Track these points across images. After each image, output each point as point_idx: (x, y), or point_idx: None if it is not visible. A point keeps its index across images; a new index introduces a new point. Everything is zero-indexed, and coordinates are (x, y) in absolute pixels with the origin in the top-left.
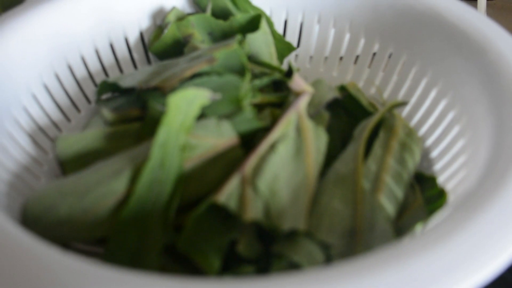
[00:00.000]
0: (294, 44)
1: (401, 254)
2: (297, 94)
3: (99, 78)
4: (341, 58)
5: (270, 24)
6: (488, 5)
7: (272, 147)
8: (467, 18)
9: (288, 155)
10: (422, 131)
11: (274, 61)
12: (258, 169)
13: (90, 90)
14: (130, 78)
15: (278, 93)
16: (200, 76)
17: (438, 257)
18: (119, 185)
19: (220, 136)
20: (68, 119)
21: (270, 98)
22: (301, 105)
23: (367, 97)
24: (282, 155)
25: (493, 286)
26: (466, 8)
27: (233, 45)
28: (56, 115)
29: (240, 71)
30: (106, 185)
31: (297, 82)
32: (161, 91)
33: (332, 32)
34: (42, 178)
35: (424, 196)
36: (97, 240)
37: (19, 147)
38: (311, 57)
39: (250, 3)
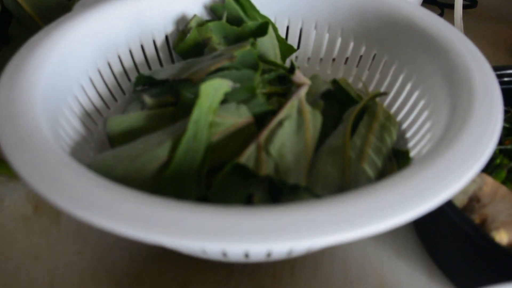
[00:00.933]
0: (295, 46)
1: (373, 189)
2: (298, 86)
3: (132, 73)
4: (333, 60)
5: (275, 29)
6: (467, 13)
7: (280, 123)
8: (436, 25)
9: (292, 130)
10: (400, 116)
11: (278, 60)
12: (269, 139)
13: (125, 83)
14: (163, 73)
15: (282, 85)
16: (222, 70)
17: (399, 192)
18: (162, 152)
19: (239, 116)
20: (108, 106)
21: (276, 88)
22: (302, 93)
23: (355, 90)
24: (287, 129)
25: None
26: (436, 18)
27: (247, 46)
28: (98, 103)
29: (254, 67)
30: (152, 152)
31: (298, 76)
32: (191, 82)
33: (326, 36)
34: (91, 153)
35: (399, 166)
36: None
37: (72, 128)
38: (308, 58)
39: (258, 12)
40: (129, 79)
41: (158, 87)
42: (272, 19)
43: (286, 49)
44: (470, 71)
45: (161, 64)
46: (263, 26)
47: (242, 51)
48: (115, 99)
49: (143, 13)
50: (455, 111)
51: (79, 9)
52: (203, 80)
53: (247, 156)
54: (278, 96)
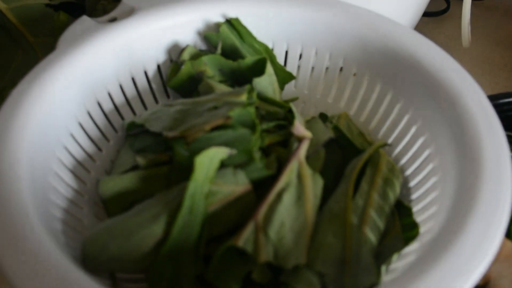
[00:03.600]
0: (294, 72)
1: None
2: (298, 138)
3: (124, 109)
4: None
5: (272, 57)
6: (475, 5)
7: (279, 195)
8: (442, 67)
9: (291, 202)
10: (403, 161)
11: (277, 94)
12: (268, 218)
13: (117, 121)
14: (155, 123)
15: (281, 130)
16: (217, 128)
17: None
18: (158, 229)
19: (236, 184)
20: (99, 149)
21: (275, 137)
22: (301, 152)
23: (357, 127)
24: (286, 203)
25: None
26: (443, 57)
27: (243, 95)
28: (90, 147)
29: (251, 126)
30: (147, 229)
31: (298, 129)
32: (185, 139)
33: (327, 64)
34: (84, 207)
35: (401, 222)
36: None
37: (64, 183)
38: (308, 85)
39: (255, 39)
40: (121, 116)
41: (151, 136)
42: (270, 44)
43: (285, 76)
44: (479, 136)
45: (154, 97)
46: (260, 64)
47: (239, 111)
48: (107, 140)
49: (133, 43)
50: (462, 185)
51: (63, 46)
52: (197, 141)
53: (245, 239)
54: (277, 145)
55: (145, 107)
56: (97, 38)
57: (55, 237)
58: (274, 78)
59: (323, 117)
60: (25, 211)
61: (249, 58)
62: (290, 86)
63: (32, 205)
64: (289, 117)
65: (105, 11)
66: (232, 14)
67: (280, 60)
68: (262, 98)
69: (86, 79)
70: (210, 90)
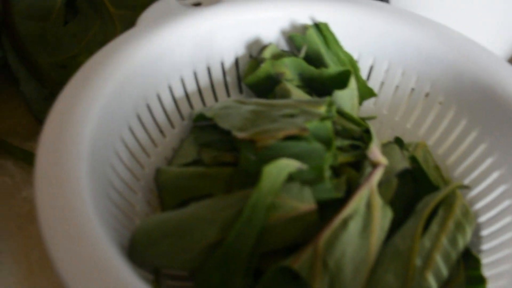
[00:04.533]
0: (375, 90)
1: None
2: (372, 163)
3: (194, 97)
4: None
5: (356, 69)
6: None
7: (344, 222)
8: None
9: (356, 232)
10: (478, 206)
11: (355, 110)
12: (329, 244)
13: (185, 109)
14: (226, 119)
15: (355, 150)
16: (290, 138)
17: None
18: (212, 232)
19: (301, 201)
20: (163, 135)
21: (347, 157)
22: (374, 180)
23: (434, 160)
24: (351, 232)
25: None
26: None
27: (323, 106)
28: (154, 132)
29: (326, 142)
30: (201, 231)
31: (374, 153)
32: (254, 143)
33: (412, 87)
34: (139, 193)
35: (466, 273)
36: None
37: (123, 165)
38: (389, 106)
39: (341, 47)
40: (190, 105)
41: (218, 132)
42: (355, 56)
43: (365, 91)
44: None
45: (227, 90)
46: (344, 76)
47: (317, 124)
48: (173, 126)
49: (215, 32)
50: None
51: (143, 25)
52: (267, 147)
53: (302, 262)
54: (349, 166)
55: (216, 99)
56: (180, 21)
57: (106, 222)
58: (355, 93)
59: (399, 142)
60: (81, 191)
61: (333, 68)
62: (368, 103)
63: (89, 183)
64: (365, 137)
65: None
66: (321, 17)
67: (363, 74)
68: (341, 112)
69: (161, 61)
70: (287, 94)
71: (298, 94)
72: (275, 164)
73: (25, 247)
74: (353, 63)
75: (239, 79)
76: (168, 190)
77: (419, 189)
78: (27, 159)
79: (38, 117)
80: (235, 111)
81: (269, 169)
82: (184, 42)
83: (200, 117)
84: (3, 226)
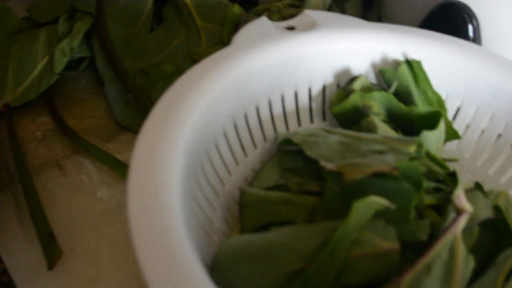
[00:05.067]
0: (460, 132)
1: None
2: (457, 209)
3: (279, 120)
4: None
5: (443, 110)
6: None
7: (428, 267)
8: None
9: (438, 278)
10: None
11: (439, 152)
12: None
13: (268, 130)
14: (313, 148)
15: (438, 193)
16: (378, 175)
17: None
18: (294, 261)
19: (385, 239)
20: (245, 154)
21: (431, 200)
22: (459, 227)
23: None
24: (434, 277)
25: None
26: None
27: (412, 146)
28: (237, 150)
29: (415, 183)
30: (283, 258)
31: (460, 199)
32: (341, 176)
33: (499, 134)
34: (218, 210)
35: None
36: None
37: (206, 181)
38: (472, 150)
39: (430, 86)
40: (274, 126)
41: (303, 159)
42: (444, 96)
43: (450, 133)
44: None
45: (311, 115)
46: (434, 117)
47: (407, 164)
48: (255, 146)
49: (306, 58)
50: None
51: (238, 44)
52: (355, 181)
53: None
54: (432, 209)
55: (299, 123)
56: (274, 44)
57: (192, 238)
58: (443, 135)
59: (479, 188)
60: (172, 205)
61: (423, 108)
62: (451, 145)
63: (180, 198)
64: (448, 180)
65: (280, 14)
66: (413, 53)
67: (449, 115)
68: (427, 153)
69: (252, 81)
70: (373, 128)
71: (385, 130)
72: (364, 200)
73: (97, 247)
74: (441, 103)
75: (324, 106)
76: (250, 212)
77: (500, 240)
78: (105, 159)
79: (118, 119)
80: (323, 140)
81: (358, 205)
82: (275, 64)
83: (286, 141)
84: (77, 224)
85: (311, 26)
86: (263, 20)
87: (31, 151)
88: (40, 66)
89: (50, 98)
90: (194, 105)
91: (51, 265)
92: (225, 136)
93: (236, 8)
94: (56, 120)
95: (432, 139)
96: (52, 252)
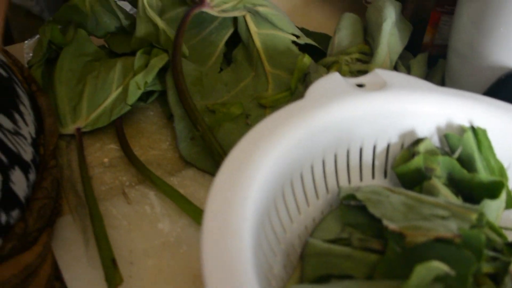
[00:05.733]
0: None
1: None
2: None
3: (342, 174)
4: None
5: (505, 179)
6: None
7: None
8: None
9: None
10: None
11: (497, 221)
12: None
13: (332, 183)
14: (377, 206)
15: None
16: (439, 240)
17: None
18: None
19: None
20: (308, 204)
21: (488, 268)
22: None
23: None
24: None
25: None
26: None
27: (474, 214)
28: (301, 200)
29: (476, 251)
30: None
31: None
32: (403, 237)
33: None
34: (278, 255)
35: None
36: None
37: (270, 227)
38: None
39: (494, 154)
40: (337, 179)
41: (366, 216)
42: (506, 164)
43: (509, 202)
44: None
45: (373, 171)
46: (496, 186)
47: (470, 232)
48: (317, 197)
49: (376, 116)
50: None
51: (311, 98)
52: (417, 244)
53: None
54: (488, 277)
55: (361, 178)
56: (346, 101)
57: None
58: (503, 205)
59: None
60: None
61: (486, 177)
62: (509, 213)
63: (250, 245)
64: (505, 249)
65: (349, 69)
66: (479, 121)
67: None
68: (487, 222)
69: (323, 135)
70: (435, 191)
71: (446, 194)
72: (426, 265)
73: (155, 277)
74: (502, 172)
75: (387, 164)
76: (312, 263)
77: None
78: (169, 193)
79: (182, 154)
80: (386, 199)
81: (420, 269)
82: (345, 120)
83: (350, 197)
84: (137, 253)
85: (381, 86)
86: (336, 76)
87: (98, 176)
88: (113, 95)
89: (120, 127)
90: (266, 156)
91: None
92: (291, 185)
93: (306, 59)
94: (123, 148)
95: (492, 208)
96: (113, 278)
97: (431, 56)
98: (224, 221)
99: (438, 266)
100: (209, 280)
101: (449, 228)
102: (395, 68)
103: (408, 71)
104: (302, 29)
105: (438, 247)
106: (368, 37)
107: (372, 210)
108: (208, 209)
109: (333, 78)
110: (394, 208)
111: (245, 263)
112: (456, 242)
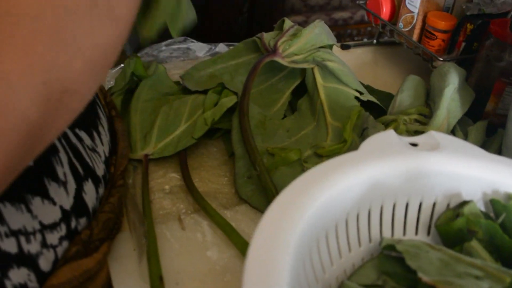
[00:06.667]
0: None
1: None
2: None
3: (387, 226)
4: None
5: None
6: None
7: None
8: None
9: None
10: None
11: None
12: None
13: (375, 233)
14: (415, 259)
15: None
16: None
17: None
18: None
19: None
20: (349, 249)
21: None
22: None
23: None
24: None
25: None
26: None
27: (508, 279)
28: (344, 245)
29: None
30: None
31: None
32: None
33: None
34: None
35: None
36: None
37: (311, 266)
38: None
39: None
40: (380, 230)
41: (401, 265)
42: None
43: None
44: None
45: (417, 227)
46: None
47: None
48: (359, 244)
49: (423, 173)
50: None
51: (365, 150)
52: None
53: None
54: None
55: (404, 232)
56: (398, 157)
57: None
58: None
59: None
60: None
61: None
62: None
63: (288, 279)
64: None
65: (407, 129)
66: None
67: None
68: None
69: (373, 186)
70: (474, 252)
71: (485, 257)
72: None
73: None
74: None
75: (431, 222)
76: None
77: None
78: (221, 224)
79: (238, 191)
80: (424, 254)
81: None
82: (396, 175)
83: (390, 247)
84: (184, 276)
85: (434, 147)
86: (391, 133)
87: (157, 201)
88: (182, 128)
89: (184, 158)
90: (314, 200)
91: None
92: (336, 230)
93: (362, 113)
94: (184, 178)
95: None
96: None
97: (492, 125)
98: (266, 255)
99: None
100: None
101: (480, 286)
102: (453, 132)
103: (466, 137)
104: (367, 87)
105: None
106: (430, 100)
107: (409, 262)
108: (253, 242)
109: (388, 135)
110: (431, 263)
111: None
112: None
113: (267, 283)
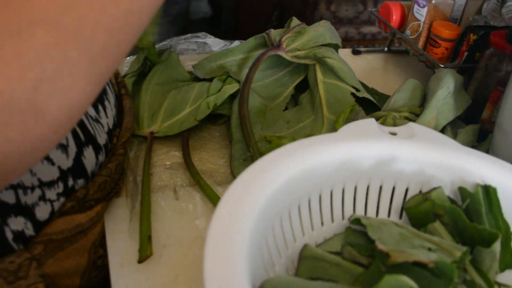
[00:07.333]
0: None
1: None
2: None
3: (360, 206)
4: None
5: (508, 240)
6: None
7: None
8: None
9: None
10: None
11: (492, 274)
12: None
13: (349, 211)
14: (377, 232)
15: None
16: (419, 265)
17: None
18: None
19: None
20: (322, 224)
21: None
22: None
23: None
24: None
25: None
26: None
27: (458, 253)
28: (316, 219)
29: (447, 279)
30: None
31: None
32: (388, 257)
33: None
34: (283, 258)
35: None
36: None
37: (281, 233)
38: None
39: (501, 215)
40: (354, 211)
41: (365, 238)
42: None
43: (510, 262)
44: None
45: (389, 210)
46: (490, 238)
47: (444, 263)
48: (332, 221)
49: (396, 161)
50: None
51: (342, 133)
52: (396, 264)
53: None
54: None
55: (377, 214)
56: (375, 141)
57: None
58: (496, 257)
59: None
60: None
61: (485, 228)
62: (510, 274)
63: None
64: None
65: (394, 124)
66: (492, 180)
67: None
68: (477, 267)
69: (344, 164)
70: (436, 233)
71: (446, 238)
72: (396, 277)
73: (180, 262)
74: (508, 232)
75: (403, 206)
76: (306, 265)
77: None
78: (212, 197)
79: (232, 171)
80: (388, 228)
81: (389, 278)
82: (371, 157)
83: (356, 221)
84: (171, 239)
85: (410, 137)
86: (371, 121)
87: (157, 174)
88: (187, 111)
89: (186, 139)
90: (286, 171)
91: (141, 260)
92: (309, 203)
93: (356, 108)
94: (185, 157)
95: (484, 256)
96: (145, 251)
97: (485, 131)
98: (228, 225)
99: (406, 281)
100: (208, 249)
101: (429, 256)
102: (442, 132)
103: (454, 138)
104: (371, 89)
105: (415, 270)
106: (425, 103)
107: (370, 233)
108: (217, 212)
109: (369, 122)
110: (390, 236)
111: (239, 249)
112: (430, 267)
113: (226, 257)
